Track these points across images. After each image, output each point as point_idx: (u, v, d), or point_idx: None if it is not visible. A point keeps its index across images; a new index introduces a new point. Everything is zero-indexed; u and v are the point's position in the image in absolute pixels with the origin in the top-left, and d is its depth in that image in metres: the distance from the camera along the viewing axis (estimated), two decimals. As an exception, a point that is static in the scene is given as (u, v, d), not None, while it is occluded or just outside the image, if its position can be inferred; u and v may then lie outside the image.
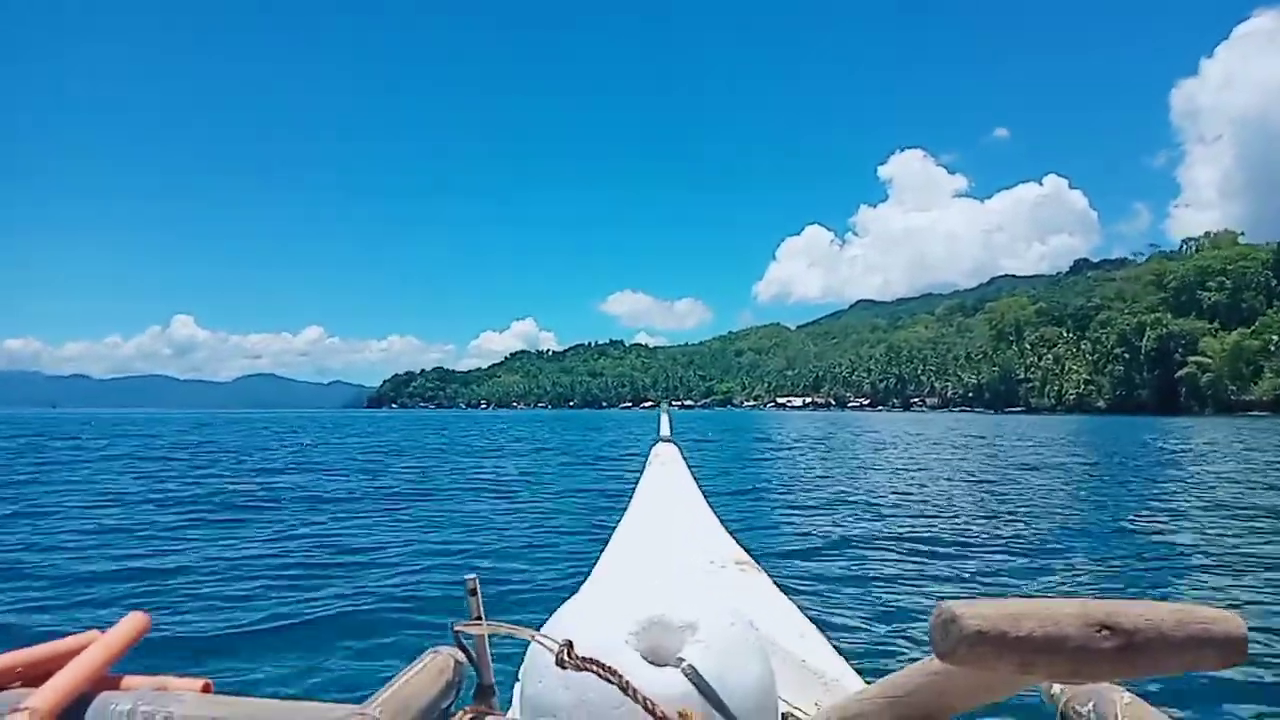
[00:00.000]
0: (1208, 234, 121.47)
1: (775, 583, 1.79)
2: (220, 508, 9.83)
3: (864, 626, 4.59)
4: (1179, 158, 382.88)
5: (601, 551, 1.99)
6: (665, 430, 2.87)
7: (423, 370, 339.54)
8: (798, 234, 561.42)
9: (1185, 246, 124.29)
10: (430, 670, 1.06)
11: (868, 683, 1.14)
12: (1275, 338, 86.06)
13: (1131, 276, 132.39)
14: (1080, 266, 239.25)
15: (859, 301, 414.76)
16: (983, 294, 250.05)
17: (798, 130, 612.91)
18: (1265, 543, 7.55)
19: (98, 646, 0.80)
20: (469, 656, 1.15)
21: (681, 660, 0.92)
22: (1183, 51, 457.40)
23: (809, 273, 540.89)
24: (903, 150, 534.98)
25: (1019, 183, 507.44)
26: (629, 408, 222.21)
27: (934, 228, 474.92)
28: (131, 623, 0.84)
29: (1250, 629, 0.74)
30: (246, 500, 10.62)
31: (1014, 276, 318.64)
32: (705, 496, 2.34)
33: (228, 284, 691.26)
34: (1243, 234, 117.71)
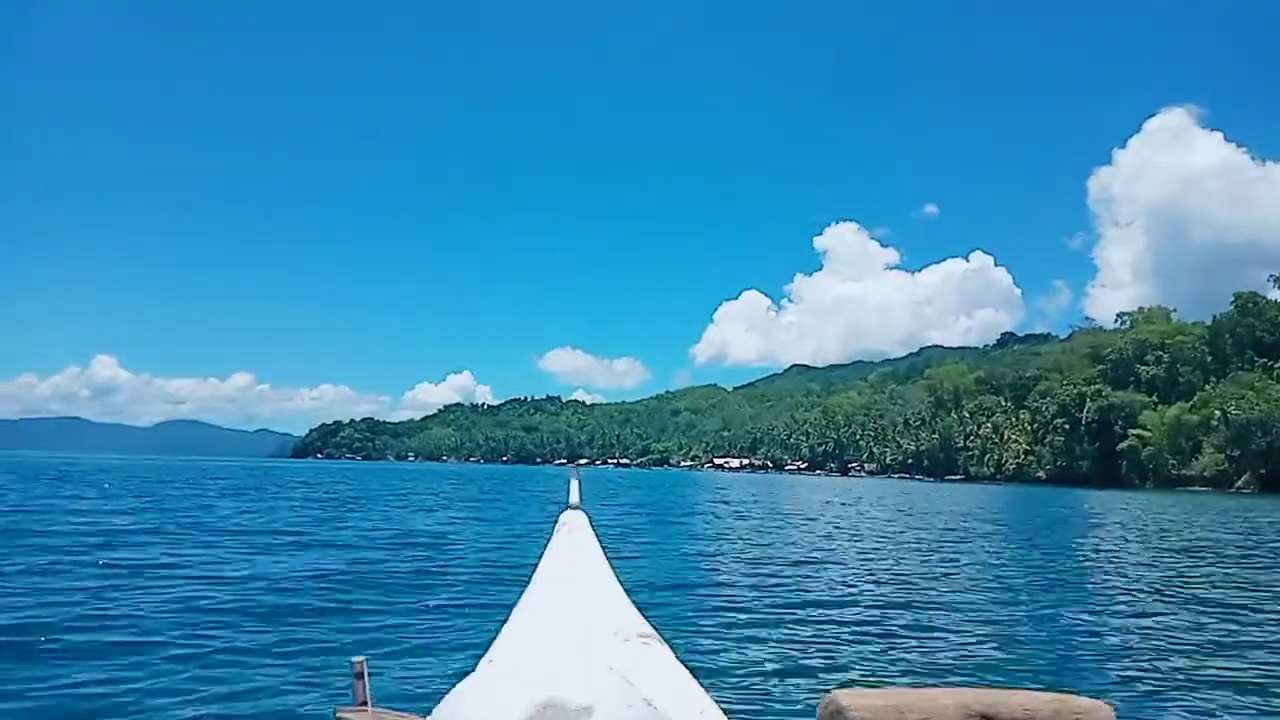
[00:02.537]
0: (1141, 309, 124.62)
1: (677, 657, 1.79)
2: (71, 571, 8.79)
3: (762, 703, 4.43)
4: (1095, 240, 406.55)
5: (502, 625, 1.93)
6: (574, 497, 2.72)
7: (351, 420, 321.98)
8: (735, 299, 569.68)
9: (1120, 320, 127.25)
10: None
11: None
12: (1217, 413, 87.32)
13: (1065, 350, 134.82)
14: (1007, 340, 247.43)
15: (793, 366, 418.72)
16: (912, 363, 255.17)
17: (738, 199, 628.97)
18: (1150, 620, 7.37)
19: None
20: None
21: None
22: (1099, 141, 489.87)
23: (746, 336, 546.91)
24: (837, 223, 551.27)
25: (947, 258, 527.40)
26: (563, 464, 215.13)
27: (866, 298, 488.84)
28: None
29: (1121, 715, 0.72)
30: (103, 560, 9.46)
31: (942, 347, 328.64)
32: (612, 566, 2.29)
33: (156, 325, 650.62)
34: (1174, 310, 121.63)
